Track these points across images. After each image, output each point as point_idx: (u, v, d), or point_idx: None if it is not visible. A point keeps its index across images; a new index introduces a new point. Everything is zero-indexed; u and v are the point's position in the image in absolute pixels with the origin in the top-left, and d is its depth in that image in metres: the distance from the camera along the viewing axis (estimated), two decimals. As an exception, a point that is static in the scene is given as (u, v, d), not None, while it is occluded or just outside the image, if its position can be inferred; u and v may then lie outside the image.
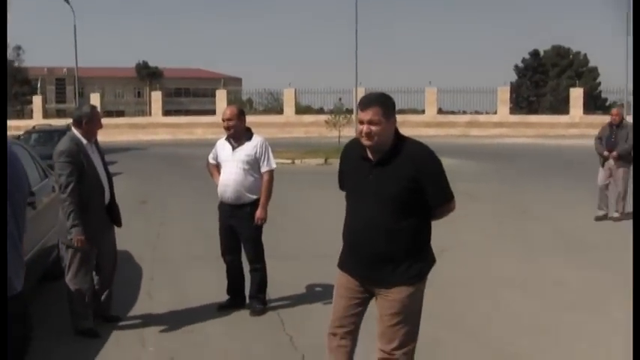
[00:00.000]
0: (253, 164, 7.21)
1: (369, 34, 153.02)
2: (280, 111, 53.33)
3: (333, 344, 4.56)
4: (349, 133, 44.05)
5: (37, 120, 48.76)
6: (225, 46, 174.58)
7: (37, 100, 57.20)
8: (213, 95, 56.41)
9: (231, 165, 7.22)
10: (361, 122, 4.22)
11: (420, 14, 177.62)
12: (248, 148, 7.23)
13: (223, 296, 7.53)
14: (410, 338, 4.42)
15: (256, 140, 7.27)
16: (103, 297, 6.97)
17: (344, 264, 4.53)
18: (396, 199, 4.19)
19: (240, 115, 7.26)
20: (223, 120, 7.21)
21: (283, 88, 54.20)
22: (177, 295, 8.05)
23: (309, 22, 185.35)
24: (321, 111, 53.49)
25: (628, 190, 12.81)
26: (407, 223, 4.24)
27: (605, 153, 13.05)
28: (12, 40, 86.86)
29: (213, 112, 52.03)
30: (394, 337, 4.37)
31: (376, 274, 4.32)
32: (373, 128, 4.16)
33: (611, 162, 13.03)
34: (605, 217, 13.07)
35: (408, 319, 4.39)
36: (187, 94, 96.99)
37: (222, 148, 7.37)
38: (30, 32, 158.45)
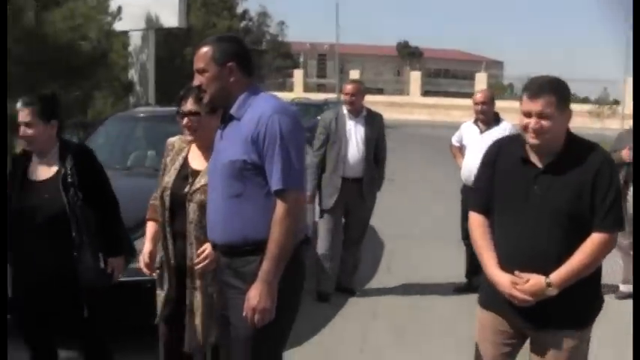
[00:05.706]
0: (500, 149, 7.14)
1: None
2: (541, 98, 51.12)
3: None
4: (614, 125, 42.08)
5: (297, 93, 51.26)
6: (488, 29, 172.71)
7: (297, 74, 59.84)
8: (473, 78, 55.93)
9: (479, 149, 7.18)
10: (528, 114, 3.27)
11: None
12: (496, 134, 7.14)
13: (461, 278, 7.53)
14: None
15: (505, 126, 7.16)
16: (345, 267, 7.24)
17: (492, 301, 3.55)
18: (572, 217, 3.24)
19: (491, 100, 7.24)
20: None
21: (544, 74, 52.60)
22: (415, 273, 8.17)
23: (576, 8, 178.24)
24: (585, 100, 51.29)
25: None
26: None
27: None
28: (276, 16, 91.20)
29: (471, 95, 51.45)
30: None
31: (540, 312, 3.30)
32: (544, 123, 3.22)
33: None
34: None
35: None
36: (447, 75, 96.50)
37: (468, 131, 7.37)
38: (295, 9, 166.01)
